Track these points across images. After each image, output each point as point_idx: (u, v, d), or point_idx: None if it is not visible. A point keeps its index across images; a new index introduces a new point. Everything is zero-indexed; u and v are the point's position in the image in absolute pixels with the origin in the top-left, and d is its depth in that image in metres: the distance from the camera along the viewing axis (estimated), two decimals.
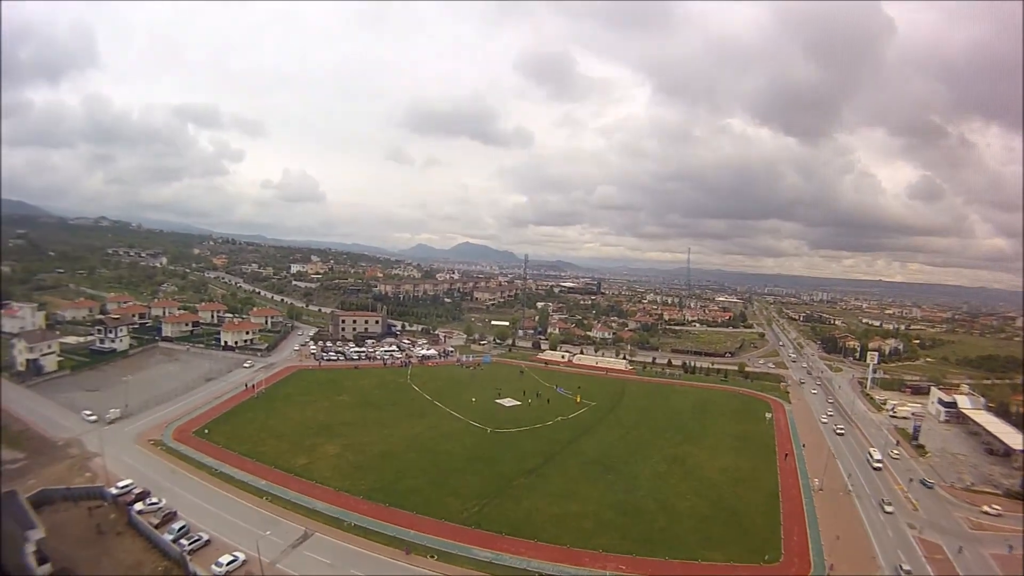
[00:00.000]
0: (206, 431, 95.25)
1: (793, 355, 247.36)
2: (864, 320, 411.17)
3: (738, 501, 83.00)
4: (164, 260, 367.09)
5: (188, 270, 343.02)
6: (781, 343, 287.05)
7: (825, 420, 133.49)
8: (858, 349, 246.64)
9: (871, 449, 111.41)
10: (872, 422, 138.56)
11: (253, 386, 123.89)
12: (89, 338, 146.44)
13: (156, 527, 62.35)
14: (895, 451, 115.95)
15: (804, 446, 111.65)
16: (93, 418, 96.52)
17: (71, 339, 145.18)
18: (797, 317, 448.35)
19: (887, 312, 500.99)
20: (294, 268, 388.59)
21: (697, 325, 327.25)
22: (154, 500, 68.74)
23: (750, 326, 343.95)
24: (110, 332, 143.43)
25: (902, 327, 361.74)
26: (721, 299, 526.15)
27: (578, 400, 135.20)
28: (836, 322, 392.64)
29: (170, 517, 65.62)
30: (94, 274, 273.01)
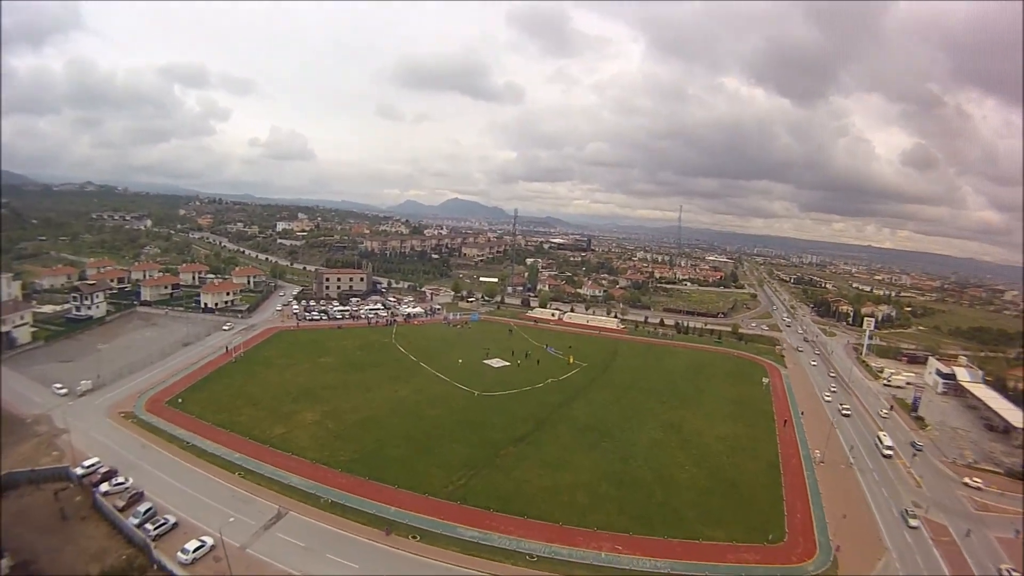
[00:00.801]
0: (180, 400, 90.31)
1: (787, 318, 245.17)
2: (855, 285, 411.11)
3: (738, 472, 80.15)
4: (148, 222, 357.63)
5: (172, 232, 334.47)
6: (774, 305, 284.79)
7: (829, 398, 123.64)
8: (851, 314, 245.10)
9: (880, 433, 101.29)
10: (870, 391, 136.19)
11: (231, 350, 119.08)
12: (65, 306, 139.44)
13: (122, 509, 58.19)
14: (884, 411, 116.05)
15: (803, 414, 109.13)
16: (63, 391, 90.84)
17: (47, 308, 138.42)
18: (788, 279, 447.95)
19: (876, 278, 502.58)
20: (280, 226, 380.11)
21: (688, 284, 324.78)
22: (120, 480, 64.17)
23: (742, 287, 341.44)
24: (86, 299, 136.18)
25: (892, 294, 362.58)
26: (712, 258, 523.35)
27: (570, 361, 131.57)
28: (827, 286, 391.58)
29: (136, 498, 61.19)
30: (77, 240, 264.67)
